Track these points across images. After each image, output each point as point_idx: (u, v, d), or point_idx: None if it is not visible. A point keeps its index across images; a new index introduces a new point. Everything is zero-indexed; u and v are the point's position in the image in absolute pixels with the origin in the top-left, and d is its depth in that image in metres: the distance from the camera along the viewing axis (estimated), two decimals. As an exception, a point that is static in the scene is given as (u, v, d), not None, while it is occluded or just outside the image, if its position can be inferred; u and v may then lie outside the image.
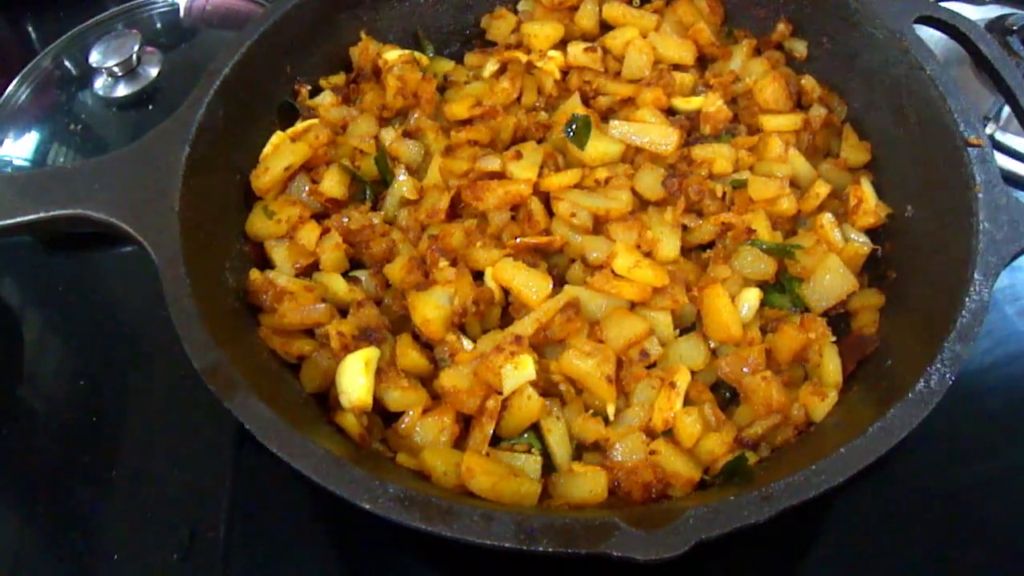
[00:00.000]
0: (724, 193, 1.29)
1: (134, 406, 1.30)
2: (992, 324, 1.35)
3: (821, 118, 1.38)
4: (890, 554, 1.15)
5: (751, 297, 1.20)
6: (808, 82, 1.43)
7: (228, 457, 1.23)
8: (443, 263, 1.20)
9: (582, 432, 1.09)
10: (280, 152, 1.30)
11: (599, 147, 1.31)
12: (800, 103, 1.44)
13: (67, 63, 1.67)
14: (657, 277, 1.15)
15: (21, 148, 1.56)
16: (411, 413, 1.10)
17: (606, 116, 1.41)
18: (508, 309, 1.21)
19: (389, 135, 1.36)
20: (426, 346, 1.18)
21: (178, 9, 1.77)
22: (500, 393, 1.09)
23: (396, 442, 1.10)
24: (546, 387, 1.13)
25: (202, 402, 0.98)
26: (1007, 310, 1.39)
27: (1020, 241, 1.08)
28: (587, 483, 1.03)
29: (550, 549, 0.84)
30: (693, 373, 1.13)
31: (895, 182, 1.31)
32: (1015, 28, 1.63)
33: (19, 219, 1.14)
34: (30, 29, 1.92)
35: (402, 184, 1.31)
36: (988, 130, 1.53)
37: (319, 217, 1.29)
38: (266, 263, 1.25)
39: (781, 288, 1.25)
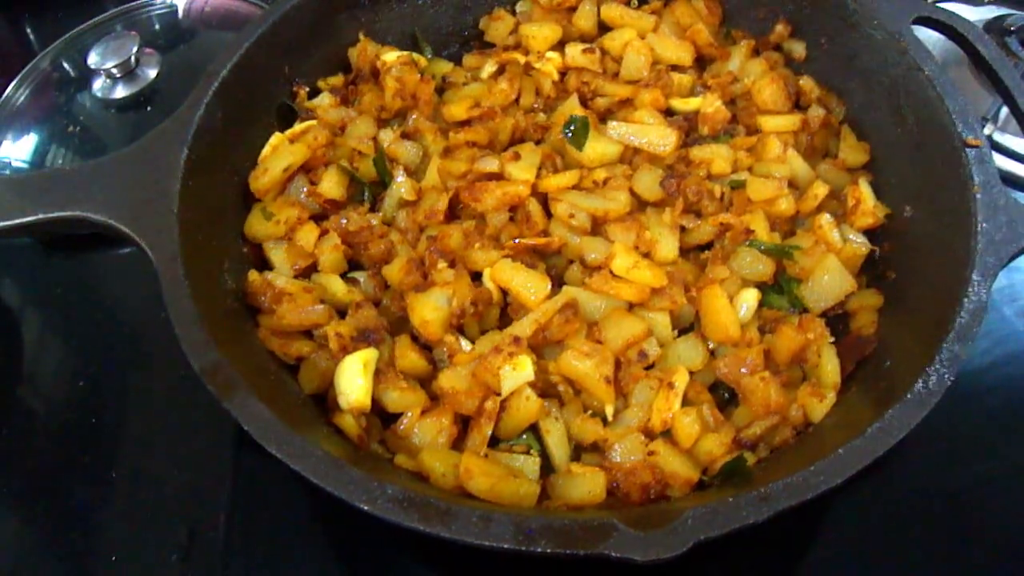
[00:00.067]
0: (722, 194, 1.29)
1: (133, 406, 1.30)
2: (990, 324, 1.35)
3: (819, 119, 1.38)
4: (889, 555, 1.15)
5: (749, 298, 1.20)
6: (806, 83, 1.43)
7: (227, 458, 1.23)
8: (441, 264, 1.20)
9: (581, 433, 1.09)
10: (279, 153, 1.30)
11: (597, 148, 1.31)
12: (798, 104, 1.44)
13: (66, 64, 1.67)
14: (655, 278, 1.15)
15: (20, 149, 1.56)
16: (410, 414, 1.10)
17: (604, 117, 1.41)
18: (507, 310, 1.21)
19: (387, 136, 1.36)
20: (425, 347, 1.18)
21: (177, 10, 1.78)
22: (499, 394, 1.09)
23: (395, 443, 1.10)
24: (545, 388, 1.13)
25: (201, 403, 0.98)
26: (1005, 310, 1.39)
27: (1018, 241, 1.08)
28: (586, 484, 1.03)
29: (549, 550, 0.84)
30: (691, 374, 1.13)
31: (893, 183, 1.31)
32: (1013, 29, 1.63)
33: (18, 221, 1.14)
34: (29, 30, 1.92)
35: (400, 185, 1.31)
36: (986, 131, 1.53)
37: (318, 218, 1.29)
38: (265, 264, 1.26)
39: (780, 289, 1.24)
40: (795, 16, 1.48)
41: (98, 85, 1.63)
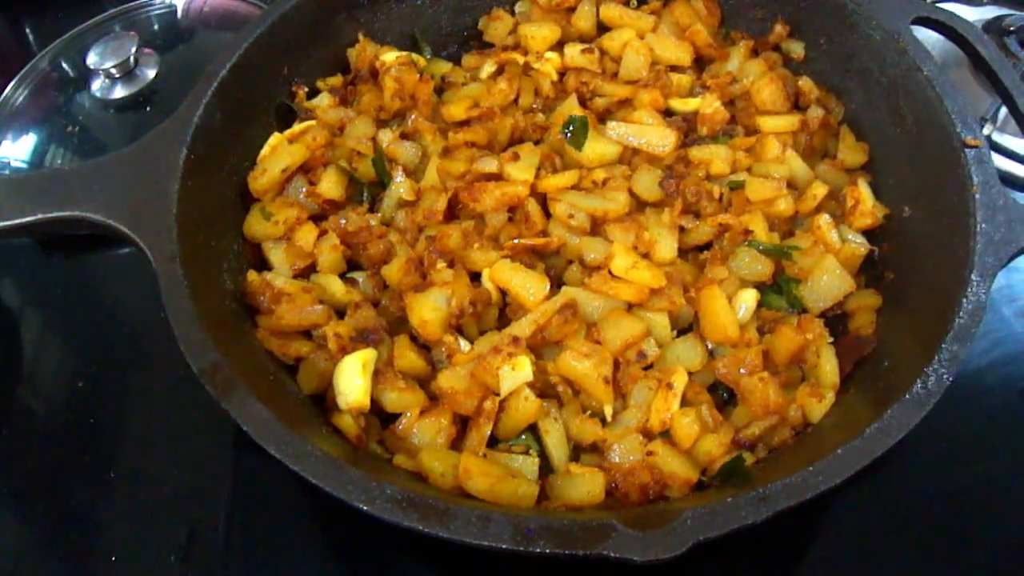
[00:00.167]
0: (721, 194, 1.29)
1: (133, 406, 1.30)
2: (989, 325, 1.36)
3: (818, 119, 1.38)
4: (888, 555, 1.15)
5: (748, 298, 1.20)
6: (805, 83, 1.43)
7: (226, 458, 1.23)
8: (440, 264, 1.20)
9: (579, 433, 1.10)
10: (278, 154, 1.30)
11: (596, 148, 1.31)
12: (797, 104, 1.44)
13: (65, 65, 1.67)
14: (654, 278, 1.15)
15: (19, 150, 1.56)
16: (408, 414, 1.10)
17: (603, 117, 1.41)
18: (505, 310, 1.21)
19: (386, 136, 1.36)
20: (424, 347, 1.18)
21: (176, 11, 1.77)
22: (497, 394, 1.09)
23: (393, 443, 1.10)
24: (543, 388, 1.13)
25: (201, 403, 0.98)
26: (1004, 311, 1.39)
27: (1017, 242, 1.08)
28: (585, 484, 1.03)
29: (547, 550, 0.84)
30: (690, 374, 1.13)
31: (892, 183, 1.31)
32: (1012, 29, 1.63)
33: (17, 221, 1.14)
34: (28, 31, 1.92)
35: (399, 185, 1.31)
36: (985, 131, 1.53)
37: (316, 219, 1.29)
38: (263, 264, 1.26)
39: (778, 289, 1.25)
40: (794, 16, 1.48)
41: (97, 85, 1.63)
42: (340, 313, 1.19)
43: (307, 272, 1.24)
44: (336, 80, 1.48)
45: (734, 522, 0.86)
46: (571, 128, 1.32)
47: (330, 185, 1.30)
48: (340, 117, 1.39)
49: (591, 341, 1.14)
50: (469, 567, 1.15)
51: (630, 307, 1.17)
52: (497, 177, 1.27)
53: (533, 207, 1.25)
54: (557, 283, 1.22)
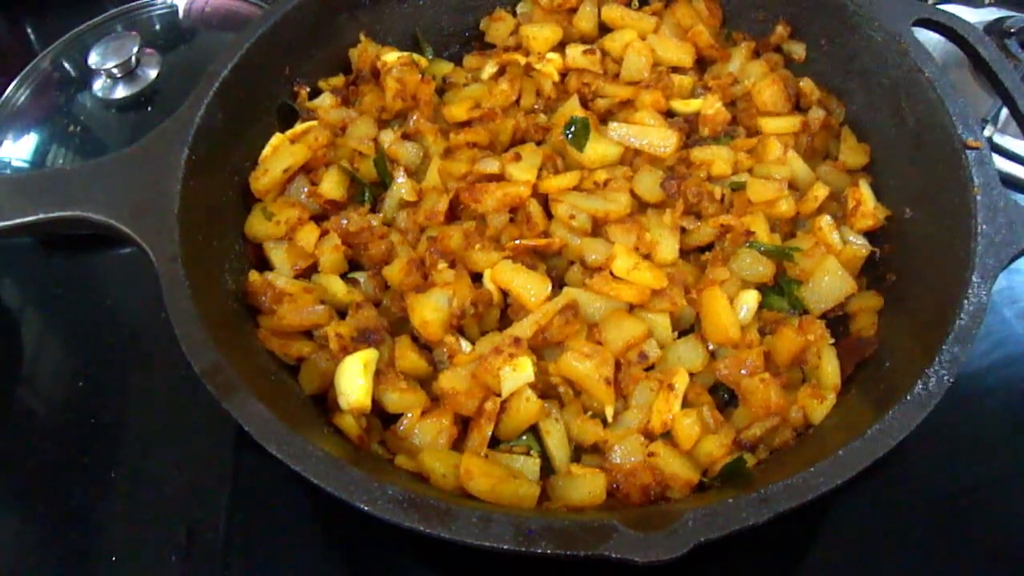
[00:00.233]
0: (723, 195, 1.29)
1: (133, 406, 1.30)
2: (990, 326, 1.36)
3: (820, 120, 1.38)
4: (889, 556, 1.15)
5: (750, 299, 1.20)
6: (807, 84, 1.43)
7: (227, 458, 1.23)
8: (442, 265, 1.20)
9: (581, 434, 1.10)
10: (279, 154, 1.30)
11: (598, 149, 1.31)
12: (799, 105, 1.44)
13: (66, 64, 1.67)
14: (656, 279, 1.15)
15: (20, 149, 1.56)
16: (410, 415, 1.10)
17: (605, 118, 1.42)
18: (507, 311, 1.21)
19: (388, 137, 1.36)
20: (425, 348, 1.18)
21: (177, 10, 1.77)
22: (499, 395, 1.09)
23: (395, 444, 1.10)
24: (545, 389, 1.13)
25: (201, 403, 0.98)
26: (1005, 312, 1.39)
27: (1018, 243, 1.09)
28: (586, 485, 1.03)
29: (549, 551, 0.84)
30: (692, 375, 1.13)
31: (894, 184, 1.32)
32: (1013, 31, 1.63)
33: (18, 221, 1.13)
34: (29, 30, 1.92)
35: (401, 186, 1.31)
36: (986, 132, 1.53)
37: (318, 219, 1.29)
38: (265, 265, 1.26)
39: (780, 290, 1.25)
40: (795, 18, 1.48)
41: (98, 85, 1.63)
42: (341, 313, 1.19)
43: (308, 272, 1.24)
44: (338, 80, 1.48)
45: (735, 523, 0.86)
46: (573, 129, 1.32)
47: (332, 185, 1.30)
48: (342, 117, 1.39)
49: (592, 342, 1.14)
50: (470, 568, 1.15)
51: (631, 308, 1.17)
52: (499, 178, 1.27)
53: (535, 208, 1.25)
54: (558, 284, 1.22)
